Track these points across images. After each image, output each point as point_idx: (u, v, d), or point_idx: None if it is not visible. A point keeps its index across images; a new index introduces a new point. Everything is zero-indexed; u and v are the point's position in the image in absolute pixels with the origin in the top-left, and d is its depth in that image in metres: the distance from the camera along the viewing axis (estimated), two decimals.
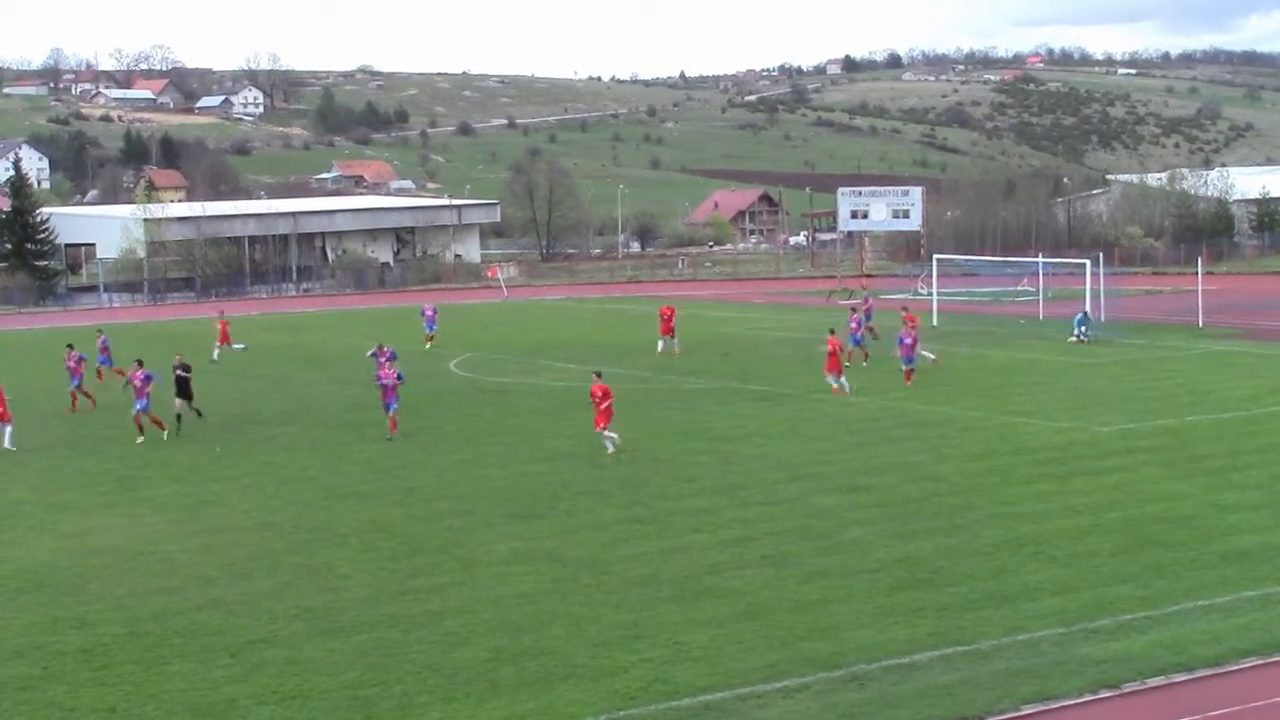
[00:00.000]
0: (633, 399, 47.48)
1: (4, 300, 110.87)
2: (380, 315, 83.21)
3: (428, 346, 65.83)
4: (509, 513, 31.75)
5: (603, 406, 37.99)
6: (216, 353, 62.93)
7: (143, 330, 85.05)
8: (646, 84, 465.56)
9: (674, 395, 49.23)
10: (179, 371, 43.90)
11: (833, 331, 49.45)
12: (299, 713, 19.87)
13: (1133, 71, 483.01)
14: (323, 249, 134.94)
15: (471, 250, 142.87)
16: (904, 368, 49.77)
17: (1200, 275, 74.73)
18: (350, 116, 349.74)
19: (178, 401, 43.37)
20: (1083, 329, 62.94)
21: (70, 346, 50.64)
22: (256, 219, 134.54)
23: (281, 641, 22.96)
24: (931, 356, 53.77)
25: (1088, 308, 65.50)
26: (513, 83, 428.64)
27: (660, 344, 60.57)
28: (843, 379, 47.57)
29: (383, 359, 45.75)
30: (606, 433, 37.95)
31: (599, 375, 39.17)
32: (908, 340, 49.94)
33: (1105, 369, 54.18)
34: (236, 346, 65.88)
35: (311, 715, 19.77)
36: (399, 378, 41.93)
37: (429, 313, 68.58)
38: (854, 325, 55.83)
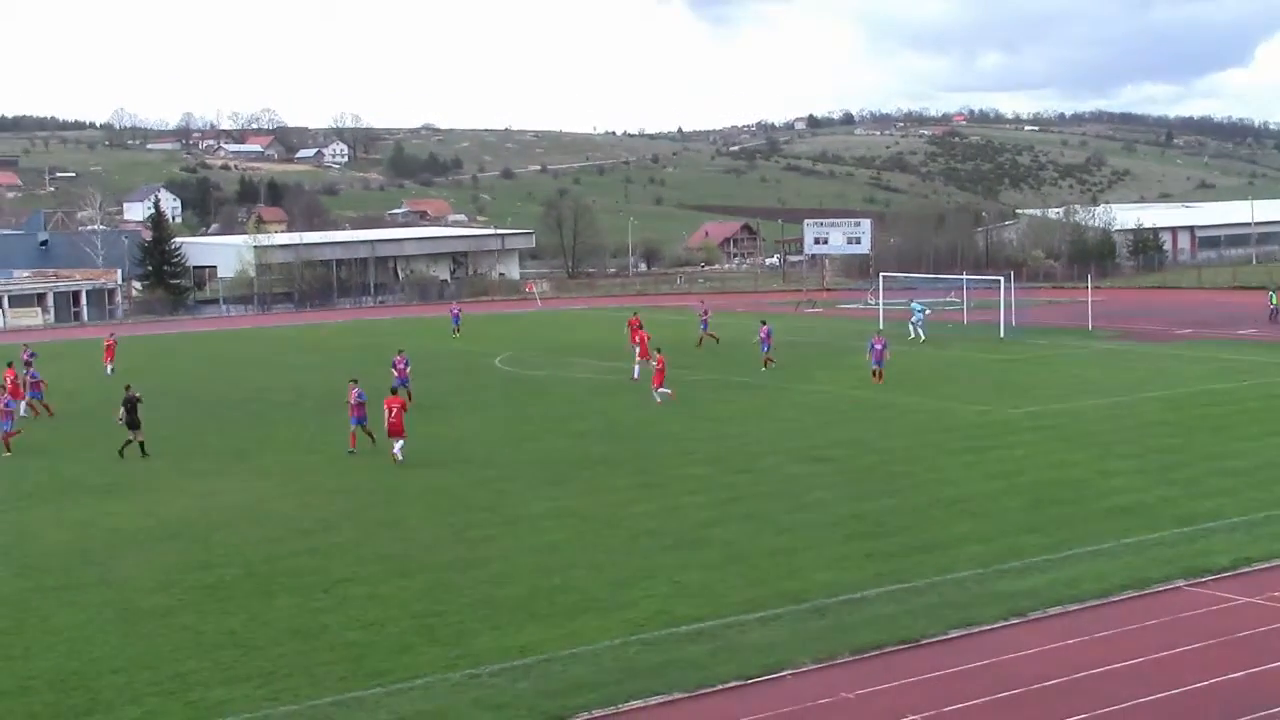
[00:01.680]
0: (641, 389, 47.46)
1: (146, 311, 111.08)
2: (438, 321, 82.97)
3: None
4: (543, 479, 31.76)
5: (393, 418, 33.82)
6: (108, 368, 56.99)
7: (249, 336, 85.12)
8: (651, 137, 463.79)
9: (674, 385, 49.09)
10: (134, 402, 36.42)
11: (659, 350, 45.95)
12: (377, 636, 19.91)
13: (1036, 128, 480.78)
14: (395, 269, 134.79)
15: (512, 269, 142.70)
16: (874, 368, 47.73)
17: (1089, 289, 74.86)
18: (416, 164, 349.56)
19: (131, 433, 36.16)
20: (919, 319, 63.24)
21: (27, 364, 46.62)
22: (343, 245, 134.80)
23: (364, 580, 23.01)
24: (668, 392, 44.59)
25: (923, 309, 65.09)
26: (545, 137, 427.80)
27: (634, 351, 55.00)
28: (665, 389, 43.53)
29: (400, 365, 45.55)
30: (398, 442, 33.76)
31: (395, 391, 35.04)
32: (878, 346, 48.05)
33: (1016, 364, 54.09)
34: (108, 368, 57.14)
35: (387, 638, 19.81)
36: (361, 396, 35.77)
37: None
38: (764, 335, 53.16)
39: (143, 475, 33.79)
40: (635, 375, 49.92)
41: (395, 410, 34.14)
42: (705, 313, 65.32)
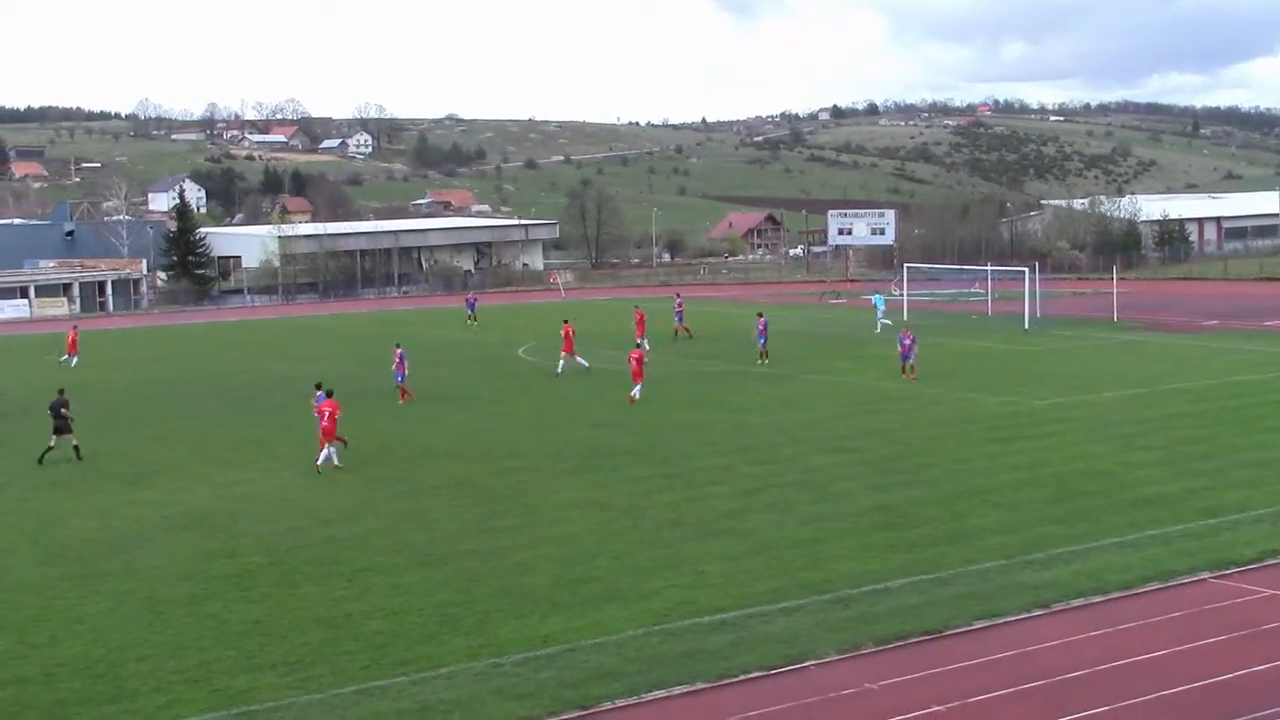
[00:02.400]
0: (663, 380, 47.43)
1: (171, 300, 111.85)
2: (461, 312, 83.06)
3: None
4: (565, 469, 31.77)
5: (325, 424, 32.35)
6: (73, 360, 57.33)
7: (276, 325, 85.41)
8: (675, 128, 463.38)
9: (696, 376, 49.16)
10: (61, 409, 34.59)
11: (639, 345, 46.84)
12: (400, 626, 19.95)
13: (1061, 119, 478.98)
14: (418, 259, 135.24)
15: (536, 260, 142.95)
16: (901, 363, 46.53)
17: (1115, 280, 74.38)
18: (440, 154, 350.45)
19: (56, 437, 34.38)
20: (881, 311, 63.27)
21: None
22: (367, 236, 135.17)
23: (386, 570, 23.06)
24: (585, 364, 49.43)
25: (883, 304, 65.18)
26: (568, 127, 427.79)
27: (645, 344, 51.99)
28: (638, 387, 42.17)
29: (396, 358, 45.33)
30: (330, 446, 32.25)
31: (330, 394, 33.51)
32: (906, 340, 47.12)
33: (1040, 355, 53.87)
34: (62, 359, 57.69)
35: (409, 628, 19.84)
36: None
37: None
38: (760, 328, 52.12)
39: (166, 464, 33.95)
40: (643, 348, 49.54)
41: (328, 414, 32.46)
42: (679, 305, 65.00)
